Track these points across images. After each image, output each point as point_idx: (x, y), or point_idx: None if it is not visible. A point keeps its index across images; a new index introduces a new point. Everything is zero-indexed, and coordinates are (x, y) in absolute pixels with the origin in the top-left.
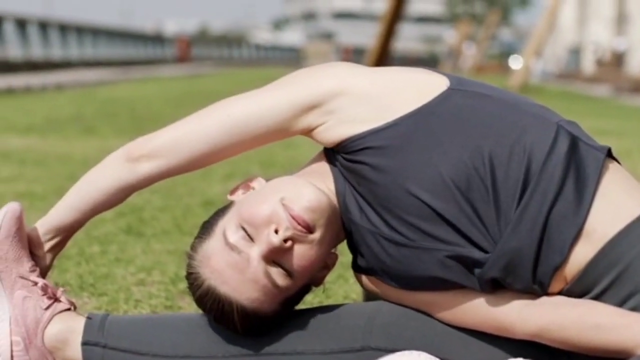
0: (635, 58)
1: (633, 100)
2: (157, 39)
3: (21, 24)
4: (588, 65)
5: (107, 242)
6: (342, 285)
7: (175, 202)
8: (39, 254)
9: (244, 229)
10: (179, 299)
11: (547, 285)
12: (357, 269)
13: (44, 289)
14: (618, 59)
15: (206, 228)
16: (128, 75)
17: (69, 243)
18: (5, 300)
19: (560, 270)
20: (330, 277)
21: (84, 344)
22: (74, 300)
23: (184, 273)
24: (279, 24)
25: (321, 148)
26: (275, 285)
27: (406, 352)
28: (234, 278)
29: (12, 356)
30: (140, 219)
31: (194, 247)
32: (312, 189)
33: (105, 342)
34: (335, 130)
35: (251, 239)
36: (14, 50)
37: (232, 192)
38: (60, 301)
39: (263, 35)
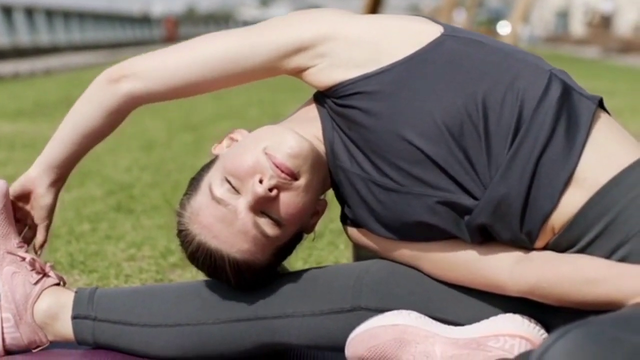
0: (623, 19)
1: (621, 60)
2: (145, 20)
3: (7, 11)
4: (576, 28)
5: (97, 220)
6: (333, 252)
7: (164, 178)
8: (39, 198)
9: (228, 181)
10: (169, 272)
11: (536, 235)
12: (345, 220)
13: (32, 264)
14: (606, 21)
15: (193, 184)
16: (116, 57)
17: (58, 222)
18: None
19: (549, 219)
20: (320, 244)
21: (74, 317)
22: (63, 276)
23: (174, 247)
24: (265, 0)
25: (310, 96)
26: (264, 235)
27: (395, 312)
28: (223, 231)
29: (2, 332)
30: (130, 196)
31: (182, 205)
32: (293, 136)
33: (95, 315)
34: (327, 74)
35: (237, 191)
36: (1, 38)
37: (216, 146)
38: (49, 276)
39: (251, 12)
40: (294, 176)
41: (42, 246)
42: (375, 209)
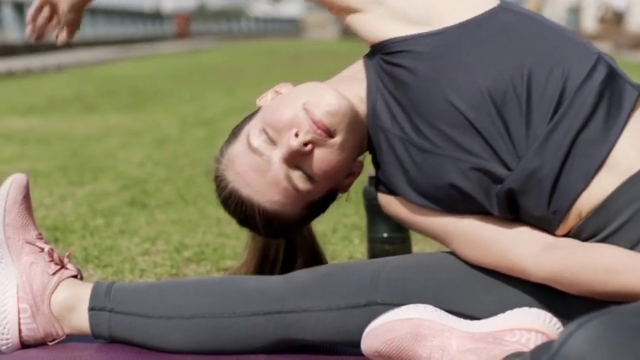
0: (635, 15)
1: (633, 57)
2: (156, 16)
3: (19, 7)
4: (588, 24)
5: (111, 214)
6: (347, 246)
7: (177, 174)
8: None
9: (266, 132)
10: (184, 266)
11: (562, 216)
12: (378, 186)
13: (51, 254)
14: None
15: (234, 133)
16: (128, 53)
17: (72, 216)
18: (12, 268)
19: (578, 201)
20: (334, 239)
21: (91, 309)
22: (90, 272)
23: (188, 241)
24: None
25: (359, 58)
26: (295, 188)
27: (412, 306)
28: (256, 180)
29: (19, 323)
30: (143, 191)
31: (221, 151)
32: (333, 94)
33: (111, 307)
34: (379, 25)
35: (273, 142)
36: (13, 34)
37: (261, 98)
38: (67, 268)
39: (262, 8)
40: (330, 133)
41: (64, 43)
42: (410, 171)
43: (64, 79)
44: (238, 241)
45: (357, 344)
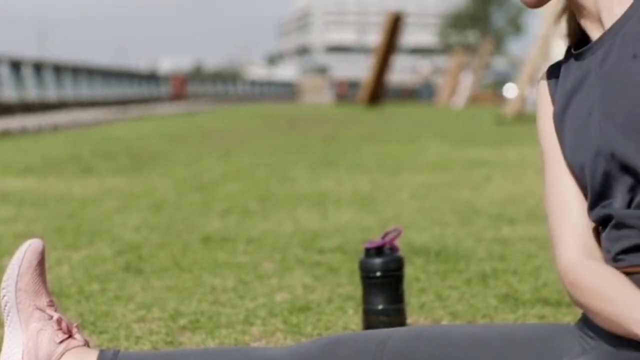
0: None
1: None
2: (152, 77)
3: (16, 66)
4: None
5: (106, 280)
6: (341, 317)
7: (173, 239)
8: None
9: None
10: (179, 334)
11: None
12: None
13: (59, 322)
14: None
15: None
16: (124, 114)
17: (68, 281)
18: (20, 332)
19: None
20: (329, 309)
21: None
22: (88, 339)
23: (183, 309)
24: (273, 59)
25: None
26: None
27: None
28: None
29: None
30: (139, 257)
31: None
32: None
33: None
34: None
35: None
36: (9, 92)
37: None
38: (74, 338)
39: (258, 71)
40: None
41: None
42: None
43: (60, 139)
44: (233, 309)
45: None
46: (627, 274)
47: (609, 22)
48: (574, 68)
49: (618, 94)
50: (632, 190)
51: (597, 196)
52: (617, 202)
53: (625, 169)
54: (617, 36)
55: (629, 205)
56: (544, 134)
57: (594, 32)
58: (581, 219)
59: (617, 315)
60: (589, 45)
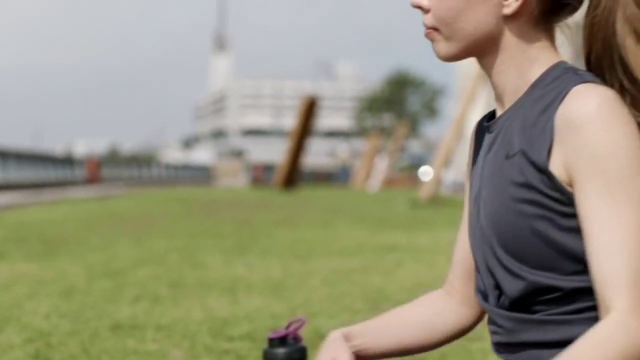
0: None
1: None
2: (67, 161)
3: None
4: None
5: None
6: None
7: (83, 327)
8: None
9: None
10: None
11: None
12: None
13: None
14: None
15: None
16: (38, 198)
17: None
18: None
19: None
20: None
21: None
22: None
23: None
24: (189, 143)
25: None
26: None
27: None
28: None
29: None
30: (48, 345)
31: None
32: None
33: None
34: None
35: None
36: None
37: None
38: None
39: (173, 154)
40: None
41: None
42: None
43: None
44: None
45: None
46: None
47: (507, 104)
48: (486, 133)
49: (491, 189)
50: (497, 288)
51: (477, 267)
52: (490, 298)
53: (489, 267)
54: (503, 127)
55: (498, 301)
56: (466, 178)
57: (498, 109)
58: (457, 256)
59: None
60: (492, 122)
